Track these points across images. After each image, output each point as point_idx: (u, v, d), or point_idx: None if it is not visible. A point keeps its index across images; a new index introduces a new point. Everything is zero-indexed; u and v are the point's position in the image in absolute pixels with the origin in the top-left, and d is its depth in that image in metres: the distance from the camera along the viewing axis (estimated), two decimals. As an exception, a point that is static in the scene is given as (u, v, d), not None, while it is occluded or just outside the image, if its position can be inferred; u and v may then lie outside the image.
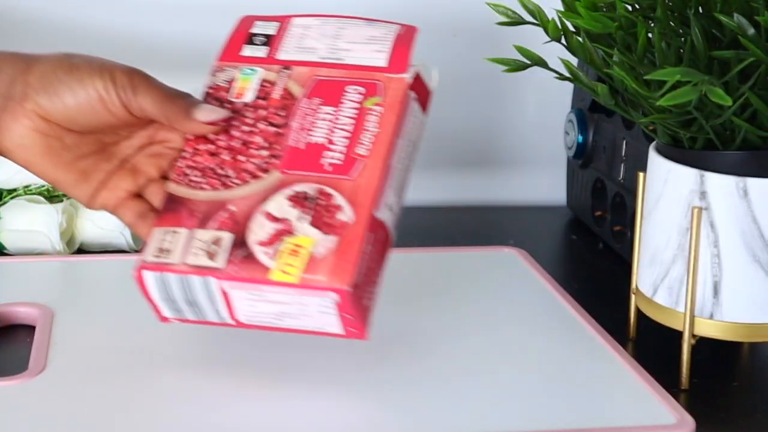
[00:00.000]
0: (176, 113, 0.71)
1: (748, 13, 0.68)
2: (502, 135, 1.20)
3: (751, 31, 0.67)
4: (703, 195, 0.73)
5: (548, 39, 0.75)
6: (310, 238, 0.68)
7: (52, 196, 0.98)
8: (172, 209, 0.70)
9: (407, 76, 0.73)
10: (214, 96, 0.74)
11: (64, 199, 0.98)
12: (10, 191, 0.99)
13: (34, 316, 0.80)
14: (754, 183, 0.72)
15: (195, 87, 0.74)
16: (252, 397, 0.70)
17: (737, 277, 0.73)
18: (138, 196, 0.74)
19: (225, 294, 0.68)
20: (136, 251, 0.97)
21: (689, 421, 0.68)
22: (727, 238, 0.72)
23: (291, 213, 0.68)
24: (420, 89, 0.74)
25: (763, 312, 0.73)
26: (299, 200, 0.69)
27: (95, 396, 0.69)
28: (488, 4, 0.77)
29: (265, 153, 0.71)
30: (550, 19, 0.75)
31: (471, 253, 0.96)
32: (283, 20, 0.77)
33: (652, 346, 0.81)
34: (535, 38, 0.77)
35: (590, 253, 1.05)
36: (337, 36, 0.75)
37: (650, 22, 0.72)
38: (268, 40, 0.76)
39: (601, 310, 0.84)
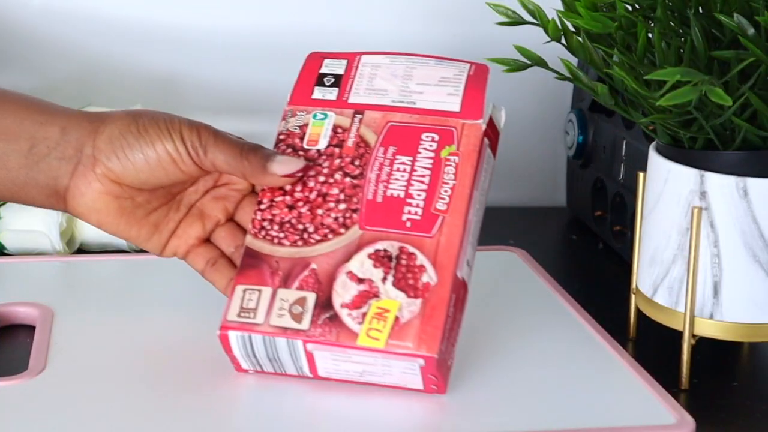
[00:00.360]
0: (252, 169, 0.71)
1: (748, 13, 0.68)
2: (502, 135, 1.20)
3: (751, 31, 0.67)
4: (703, 195, 0.73)
5: (548, 39, 0.75)
6: (395, 301, 0.68)
7: (52, 196, 0.98)
8: (252, 265, 0.70)
9: (482, 123, 0.72)
10: (287, 143, 0.73)
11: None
12: (10, 191, 0.99)
13: (34, 316, 0.80)
14: (754, 183, 0.72)
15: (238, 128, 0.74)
16: (251, 397, 0.70)
17: (737, 277, 0.73)
18: (206, 240, 0.75)
19: (309, 354, 0.68)
20: (136, 251, 0.97)
21: (689, 421, 0.68)
22: (727, 238, 0.72)
23: (374, 273, 0.69)
24: (491, 133, 0.74)
25: (763, 312, 0.73)
26: (381, 259, 0.69)
27: (95, 396, 0.69)
28: (488, 4, 0.77)
29: (343, 206, 0.71)
30: (550, 19, 0.75)
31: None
32: (351, 57, 0.76)
33: (652, 346, 0.81)
34: (535, 38, 0.77)
35: (590, 253, 1.05)
36: (408, 77, 0.75)
37: (650, 22, 0.72)
38: (338, 81, 0.75)
39: (601, 310, 0.84)
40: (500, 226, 1.10)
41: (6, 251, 0.95)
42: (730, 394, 0.76)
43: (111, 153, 0.70)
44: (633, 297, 0.81)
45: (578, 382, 0.73)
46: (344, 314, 0.68)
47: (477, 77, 0.74)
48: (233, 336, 0.69)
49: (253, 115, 1.13)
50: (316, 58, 0.77)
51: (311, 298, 0.68)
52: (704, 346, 0.78)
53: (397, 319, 0.67)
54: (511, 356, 0.76)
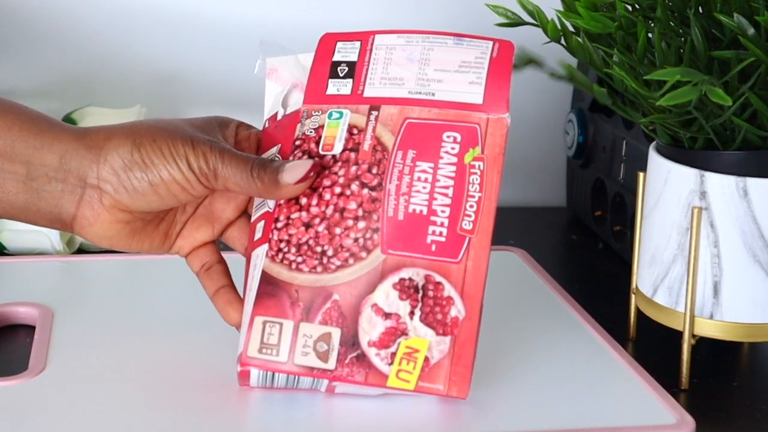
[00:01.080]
0: (265, 188, 0.68)
1: (748, 13, 0.68)
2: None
3: (751, 31, 0.67)
4: (703, 195, 0.73)
5: (548, 40, 0.75)
6: (424, 340, 0.66)
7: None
8: (271, 293, 0.67)
9: (507, 117, 0.69)
10: (303, 149, 0.70)
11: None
12: (10, 191, 0.98)
13: (34, 316, 0.80)
14: (754, 183, 0.72)
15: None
16: (256, 398, 0.70)
17: (737, 277, 0.73)
18: (209, 242, 0.73)
19: (332, 386, 0.67)
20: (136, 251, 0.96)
21: (689, 421, 0.68)
22: (727, 238, 0.72)
23: (400, 307, 0.66)
24: None
25: (763, 312, 0.73)
26: (407, 290, 0.67)
27: (95, 396, 0.69)
28: (487, 5, 0.76)
29: (362, 225, 0.67)
30: (549, 19, 0.75)
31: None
32: (364, 39, 0.72)
33: (652, 346, 0.81)
34: (535, 38, 0.77)
35: (590, 253, 1.05)
36: (425, 61, 0.70)
37: (650, 22, 0.72)
38: (352, 70, 0.71)
39: (601, 310, 0.84)
40: (500, 226, 1.10)
41: (6, 251, 0.95)
42: (730, 394, 0.76)
43: (119, 185, 0.68)
44: (633, 297, 0.81)
45: (578, 382, 0.73)
46: (372, 354, 0.66)
47: (500, 60, 0.70)
48: (255, 373, 0.67)
49: (260, 110, 1.12)
50: (328, 41, 0.73)
51: (336, 334, 0.66)
52: (704, 346, 0.78)
53: (426, 359, 0.66)
54: (511, 356, 0.76)
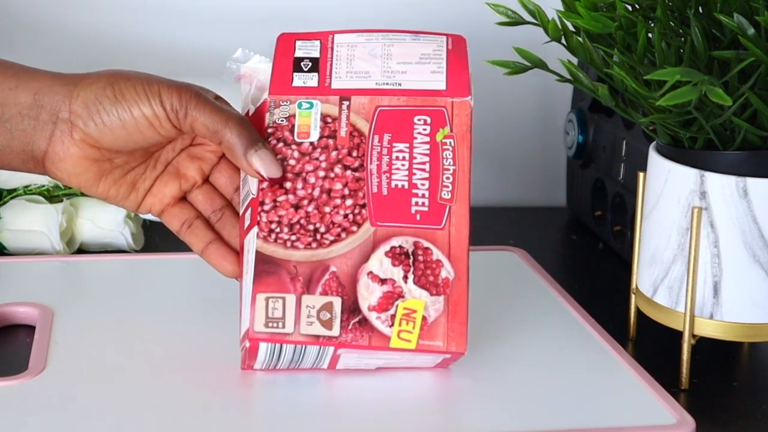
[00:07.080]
0: (231, 145, 0.70)
1: (748, 13, 0.68)
2: (503, 135, 1.20)
3: (751, 31, 0.67)
4: (703, 195, 0.73)
5: (548, 39, 0.75)
6: (420, 301, 0.70)
7: (52, 196, 0.98)
8: (269, 271, 0.70)
9: (470, 99, 0.73)
10: (277, 136, 0.72)
11: (64, 199, 0.98)
12: (10, 191, 0.98)
13: (34, 316, 0.80)
14: (754, 183, 0.72)
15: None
16: (255, 393, 0.70)
17: (737, 277, 0.73)
18: (182, 200, 0.75)
19: (336, 356, 0.70)
20: (137, 251, 0.97)
21: (689, 421, 0.68)
22: (727, 238, 0.72)
23: (394, 272, 0.70)
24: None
25: (763, 312, 0.73)
26: (398, 257, 0.70)
27: (95, 396, 0.69)
28: (488, 4, 0.77)
29: (349, 202, 0.71)
30: (550, 19, 0.75)
31: (471, 254, 0.96)
32: (323, 38, 0.75)
33: (652, 346, 0.81)
34: (535, 38, 0.77)
35: (590, 253, 1.05)
36: (387, 56, 0.74)
37: (650, 22, 0.72)
38: (315, 65, 0.74)
39: (601, 310, 0.84)
40: (500, 226, 1.10)
41: (6, 251, 0.95)
42: (730, 394, 0.76)
43: (88, 118, 0.69)
44: (633, 297, 0.81)
45: (578, 382, 0.73)
46: (373, 318, 0.69)
47: (457, 51, 0.74)
48: (263, 347, 0.69)
49: None
50: (286, 40, 0.75)
51: (337, 302, 0.69)
52: (704, 346, 0.78)
53: (424, 318, 0.70)
54: (511, 356, 0.76)
